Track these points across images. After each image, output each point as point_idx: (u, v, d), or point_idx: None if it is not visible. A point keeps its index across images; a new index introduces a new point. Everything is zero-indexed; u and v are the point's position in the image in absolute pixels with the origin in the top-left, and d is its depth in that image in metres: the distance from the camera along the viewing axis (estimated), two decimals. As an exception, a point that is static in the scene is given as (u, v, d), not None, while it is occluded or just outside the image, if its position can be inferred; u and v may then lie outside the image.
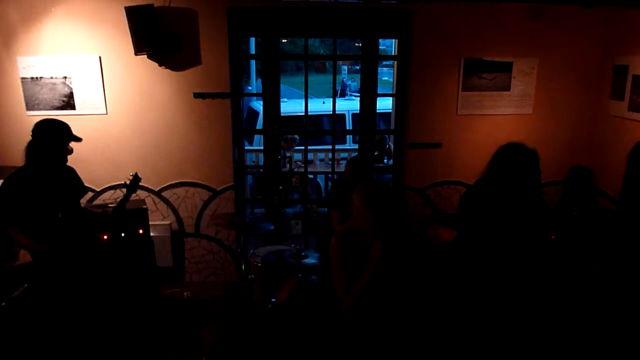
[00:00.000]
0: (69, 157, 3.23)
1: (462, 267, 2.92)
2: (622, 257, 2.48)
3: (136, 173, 3.44)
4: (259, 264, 3.74)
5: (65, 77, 4.28)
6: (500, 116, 4.60)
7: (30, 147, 3.07)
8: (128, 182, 3.40)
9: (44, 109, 4.30)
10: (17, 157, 3.16)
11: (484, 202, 2.82)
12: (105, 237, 3.36)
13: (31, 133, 3.09)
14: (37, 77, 4.27)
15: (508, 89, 4.54)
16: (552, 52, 4.49)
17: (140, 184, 4.47)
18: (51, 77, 4.27)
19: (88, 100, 4.33)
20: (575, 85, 4.59)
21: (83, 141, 3.32)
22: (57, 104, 4.32)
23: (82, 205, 4.33)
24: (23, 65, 4.22)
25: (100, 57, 4.26)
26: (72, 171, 3.39)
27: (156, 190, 4.58)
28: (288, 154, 6.65)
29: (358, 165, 3.98)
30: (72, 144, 3.21)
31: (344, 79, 15.44)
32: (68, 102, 4.32)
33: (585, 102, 4.63)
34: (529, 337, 2.79)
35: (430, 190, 4.77)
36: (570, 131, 4.68)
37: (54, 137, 3.09)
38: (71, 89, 4.30)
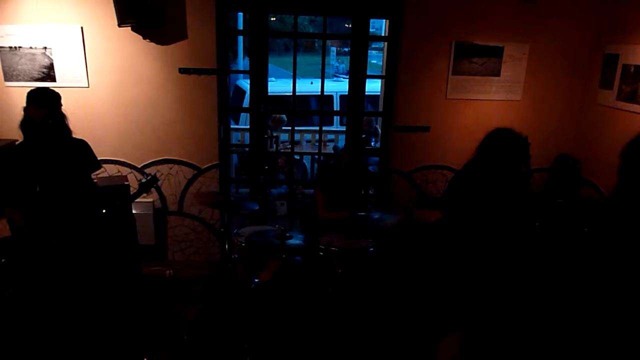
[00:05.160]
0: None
1: (447, 252, 2.92)
2: (613, 254, 2.47)
3: (155, 174, 3.41)
4: (243, 244, 3.71)
5: (46, 48, 4.14)
6: (489, 101, 4.58)
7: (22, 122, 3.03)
8: (144, 180, 3.37)
9: (23, 80, 4.17)
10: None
11: (471, 187, 2.81)
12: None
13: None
14: (15, 47, 4.12)
15: (498, 74, 4.51)
16: (543, 38, 4.46)
17: (122, 159, 4.45)
18: (30, 47, 4.13)
19: (69, 72, 4.20)
20: (564, 73, 4.58)
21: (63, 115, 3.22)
22: (37, 76, 4.18)
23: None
24: (1, 34, 4.07)
25: (82, 28, 4.12)
26: (82, 145, 3.29)
27: (139, 166, 4.50)
28: (275, 134, 6.58)
29: (356, 155, 4.01)
30: None
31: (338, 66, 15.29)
32: (48, 74, 4.19)
33: (574, 90, 4.62)
34: (514, 322, 2.81)
35: (417, 174, 4.76)
36: (557, 119, 4.68)
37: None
38: (51, 60, 4.16)
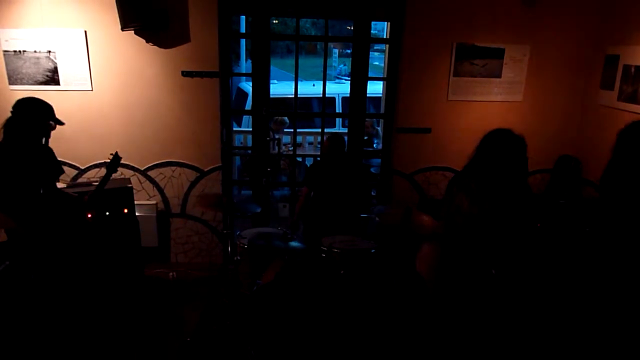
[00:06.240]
0: (53, 134, 3.17)
1: (448, 254, 2.93)
2: (608, 241, 2.48)
3: (116, 152, 3.36)
4: (245, 246, 3.72)
5: (50, 52, 4.17)
6: (490, 103, 4.59)
7: (9, 123, 3.01)
8: (108, 161, 3.34)
9: (27, 84, 4.20)
10: (-1, 131, 3.09)
11: (470, 189, 2.82)
12: (90, 215, 3.33)
13: (11, 110, 3.03)
14: (20, 51, 4.15)
15: (499, 76, 4.53)
16: (543, 40, 4.48)
17: (125, 162, 4.46)
18: (35, 51, 4.16)
19: (73, 75, 4.23)
20: (565, 74, 4.59)
21: (68, 118, 3.26)
22: (41, 79, 4.22)
23: (68, 181, 4.30)
24: (5, 38, 4.10)
25: (85, 32, 4.15)
26: (49, 151, 3.29)
27: (142, 169, 4.52)
28: (277, 136, 6.60)
29: (334, 141, 4.05)
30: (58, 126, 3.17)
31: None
32: (52, 78, 4.22)
33: (575, 91, 4.64)
34: (515, 324, 2.82)
35: (419, 175, 4.77)
36: (559, 120, 4.69)
37: (35, 117, 3.04)
38: (55, 63, 4.20)
